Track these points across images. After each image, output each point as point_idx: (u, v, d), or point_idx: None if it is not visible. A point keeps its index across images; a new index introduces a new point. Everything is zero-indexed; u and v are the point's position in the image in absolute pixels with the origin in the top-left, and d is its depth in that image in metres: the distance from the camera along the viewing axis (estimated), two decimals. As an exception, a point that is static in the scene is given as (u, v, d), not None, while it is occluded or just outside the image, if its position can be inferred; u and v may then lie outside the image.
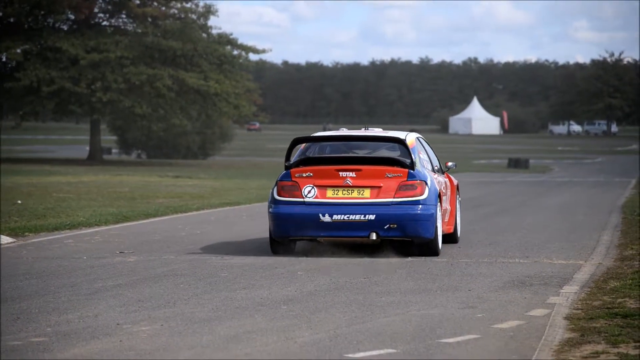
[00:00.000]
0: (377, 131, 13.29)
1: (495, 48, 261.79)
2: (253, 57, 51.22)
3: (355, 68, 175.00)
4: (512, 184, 33.48)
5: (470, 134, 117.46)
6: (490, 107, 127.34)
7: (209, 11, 47.95)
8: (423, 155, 13.09)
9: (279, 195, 12.40)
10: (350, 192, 12.24)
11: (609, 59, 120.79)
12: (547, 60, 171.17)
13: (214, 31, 48.14)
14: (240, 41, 48.51)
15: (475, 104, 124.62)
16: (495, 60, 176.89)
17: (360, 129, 13.44)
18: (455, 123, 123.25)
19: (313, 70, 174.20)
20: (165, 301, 9.30)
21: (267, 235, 12.94)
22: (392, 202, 12.15)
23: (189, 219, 18.64)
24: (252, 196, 24.85)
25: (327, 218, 12.16)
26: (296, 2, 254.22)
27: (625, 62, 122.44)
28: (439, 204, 12.54)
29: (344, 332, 7.81)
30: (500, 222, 17.89)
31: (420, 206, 12.20)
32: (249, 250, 13.40)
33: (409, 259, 12.45)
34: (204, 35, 47.60)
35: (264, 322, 8.22)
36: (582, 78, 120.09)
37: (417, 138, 13.47)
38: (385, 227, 12.14)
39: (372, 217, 12.10)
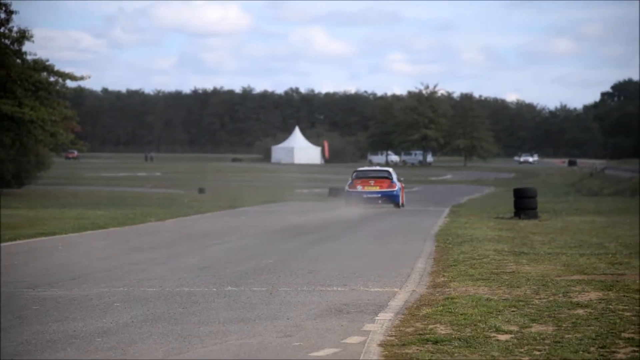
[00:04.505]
0: (379, 166, 44.49)
1: (315, 78, 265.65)
2: (71, 83, 50.00)
3: (177, 96, 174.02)
4: (333, 213, 33.96)
5: (292, 163, 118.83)
6: (312, 137, 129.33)
7: (23, 36, 46.48)
8: (394, 175, 33.78)
9: (349, 188, 33.37)
10: (372, 187, 32.93)
11: (424, 91, 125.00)
12: (365, 91, 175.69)
13: (29, 57, 46.74)
14: (57, 67, 47.31)
15: (297, 133, 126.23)
16: (316, 90, 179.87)
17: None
18: (278, 152, 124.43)
19: (134, 98, 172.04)
20: (-29, 337, 8.89)
21: (81, 265, 15.26)
22: (386, 190, 32.84)
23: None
24: (69, 226, 24.19)
25: (365, 196, 32.73)
26: (113, 29, 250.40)
27: (439, 95, 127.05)
28: (401, 192, 33.46)
29: (160, 364, 7.68)
30: (321, 250, 18.12)
31: (395, 191, 33.08)
32: (64, 282, 13.02)
33: (229, 288, 12.42)
34: (19, 61, 46.12)
35: (77, 356, 7.99)
36: (399, 109, 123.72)
37: (393, 169, 34.66)
38: (384, 199, 33.09)
39: (379, 195, 32.89)
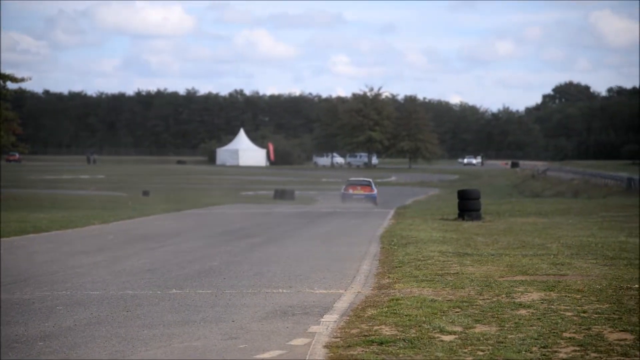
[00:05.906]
0: (363, 177, 54.53)
1: (259, 80, 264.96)
2: (11, 85, 49.32)
3: (120, 98, 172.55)
4: (278, 215, 33.96)
5: (237, 165, 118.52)
6: (257, 139, 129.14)
7: (-37, 37, 45.81)
8: (373, 183, 47.41)
9: (344, 191, 46.73)
10: (359, 191, 45.95)
11: (368, 94, 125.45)
12: (310, 93, 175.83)
13: (-31, 58, 46.01)
14: (-3, 69, 46.63)
15: (242, 135, 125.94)
16: (261, 92, 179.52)
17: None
18: (223, 154, 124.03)
19: (76, 100, 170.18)
20: None
21: (23, 268, 14.98)
22: (368, 193, 45.63)
23: (-61, 254, 17.62)
24: (11, 229, 23.85)
25: (354, 197, 45.67)
26: (54, 30, 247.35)
27: (384, 97, 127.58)
28: (377, 194, 46.31)
29: (104, 368, 7.62)
30: (266, 252, 18.09)
31: (374, 194, 45.76)
32: (5, 286, 12.84)
33: (174, 291, 12.35)
34: (-41, 61, 45.44)
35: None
36: (344, 111, 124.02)
37: (373, 179, 49.47)
38: (367, 199, 45.32)
39: (363, 197, 45.44)
